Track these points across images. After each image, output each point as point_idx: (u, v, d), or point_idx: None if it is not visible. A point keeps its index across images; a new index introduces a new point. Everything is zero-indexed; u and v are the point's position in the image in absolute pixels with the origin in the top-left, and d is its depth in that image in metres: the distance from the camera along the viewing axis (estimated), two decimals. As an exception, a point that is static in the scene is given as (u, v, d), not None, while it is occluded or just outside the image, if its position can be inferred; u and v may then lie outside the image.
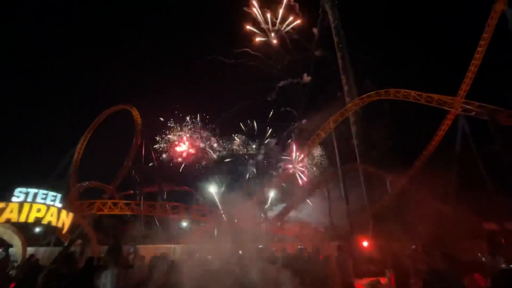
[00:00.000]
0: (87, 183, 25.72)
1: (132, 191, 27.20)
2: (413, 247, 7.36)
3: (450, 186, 20.28)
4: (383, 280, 9.17)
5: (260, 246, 8.46)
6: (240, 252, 5.20)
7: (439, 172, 20.74)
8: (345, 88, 31.54)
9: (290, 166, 28.35)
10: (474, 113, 18.54)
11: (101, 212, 20.34)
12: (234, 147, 31.11)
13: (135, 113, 28.70)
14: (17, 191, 12.32)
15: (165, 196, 26.21)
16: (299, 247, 8.47)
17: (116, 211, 20.68)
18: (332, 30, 33.97)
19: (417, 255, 5.16)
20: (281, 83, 31.60)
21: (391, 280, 4.81)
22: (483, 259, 7.07)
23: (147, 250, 16.24)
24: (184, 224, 26.98)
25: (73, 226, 17.26)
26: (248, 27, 31.93)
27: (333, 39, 33.43)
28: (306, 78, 31.54)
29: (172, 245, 18.60)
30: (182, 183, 31.90)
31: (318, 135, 25.88)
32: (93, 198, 22.05)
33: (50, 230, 16.04)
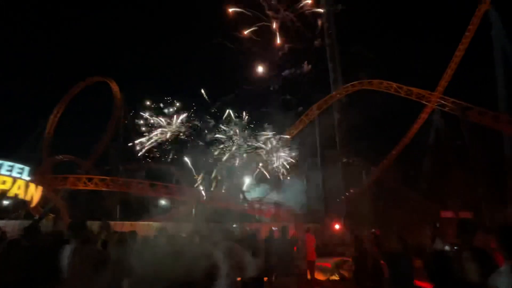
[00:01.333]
0: (61, 156, 24.68)
1: (109, 167, 26.53)
2: (372, 230, 7.91)
3: (421, 176, 21.53)
4: (349, 260, 9.84)
5: (234, 226, 8.68)
6: (209, 230, 5.32)
7: (412, 163, 21.92)
8: (331, 76, 31.66)
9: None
10: (448, 108, 19.41)
11: (76, 188, 19.82)
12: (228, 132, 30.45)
13: (115, 87, 27.34)
14: (-21, 161, 11.66)
15: (143, 174, 25.78)
16: (272, 228, 8.77)
17: (91, 187, 20.21)
18: (323, 16, 33.41)
19: (375, 239, 5.58)
20: (285, 72, 30.68)
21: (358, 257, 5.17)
22: (440, 245, 7.70)
23: (124, 227, 16.21)
24: (163, 202, 26.98)
25: (46, 200, 16.79)
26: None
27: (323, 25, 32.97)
28: (307, 67, 31.08)
29: (149, 223, 18.65)
30: (162, 162, 31.42)
31: (301, 121, 26.14)
32: (68, 173, 21.37)
33: (19, 203, 15.50)
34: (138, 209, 24.50)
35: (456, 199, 16.86)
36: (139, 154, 28.32)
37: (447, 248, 3.81)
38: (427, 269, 2.01)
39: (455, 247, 3.05)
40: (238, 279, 4.19)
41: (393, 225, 13.91)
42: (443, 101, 19.72)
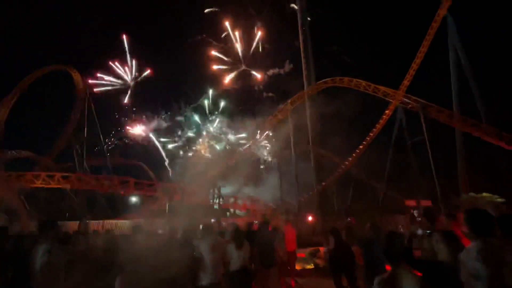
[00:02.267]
0: (14, 152, 22.37)
1: (72, 164, 24.65)
2: (348, 219, 8.40)
3: (385, 169, 23.12)
4: (322, 249, 10.33)
5: (212, 220, 8.61)
6: (191, 226, 5.24)
7: (378, 156, 23.42)
8: (304, 72, 32.39)
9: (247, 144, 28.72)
10: (410, 106, 20.96)
11: (34, 185, 18.17)
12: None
13: (77, 76, 25.26)
14: None
15: (110, 170, 24.36)
16: (250, 221, 8.87)
17: (53, 184, 18.66)
18: (297, 12, 33.89)
19: (351, 227, 5.97)
20: (269, 72, 30.76)
21: (330, 246, 5.43)
22: (401, 229, 8.48)
23: (92, 226, 15.27)
24: (134, 199, 25.84)
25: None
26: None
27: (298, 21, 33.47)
28: (288, 65, 31.55)
29: (120, 221, 17.80)
30: (132, 157, 29.93)
31: (275, 116, 26.52)
32: (24, 170, 19.49)
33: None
34: (106, 207, 23.24)
35: (417, 189, 18.53)
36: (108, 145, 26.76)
37: (419, 232, 4.18)
38: (383, 249, 2.21)
39: (427, 231, 3.38)
40: (223, 271, 4.21)
41: (363, 214, 14.89)
42: (406, 99, 21.26)
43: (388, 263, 2.12)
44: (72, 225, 12.26)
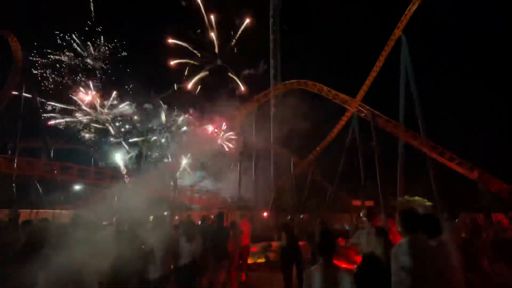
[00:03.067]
0: None
1: (3, 143, 21.39)
2: (301, 216, 8.82)
3: (337, 171, 24.79)
4: (274, 244, 10.69)
5: (165, 213, 8.26)
6: (140, 218, 4.95)
7: (331, 159, 25.03)
8: (272, 71, 32.91)
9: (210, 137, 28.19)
10: (364, 114, 22.76)
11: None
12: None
13: (14, 42, 21.79)
14: None
15: (50, 154, 21.74)
16: (203, 215, 8.73)
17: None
18: (270, 11, 34.17)
19: (302, 223, 6.30)
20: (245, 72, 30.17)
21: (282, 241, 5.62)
22: (347, 227, 9.22)
23: (21, 215, 13.47)
24: (78, 187, 23.53)
25: None
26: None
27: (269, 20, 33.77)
28: (262, 66, 31.52)
29: (58, 211, 16.04)
30: (75, 141, 27.09)
31: (240, 111, 26.50)
32: None
33: None
34: (41, 195, 20.70)
35: (363, 191, 20.35)
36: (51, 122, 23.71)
37: (347, 227, 4.59)
38: (317, 245, 2.38)
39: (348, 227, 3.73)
40: (172, 265, 4.08)
41: (314, 212, 15.85)
42: (361, 108, 23.03)
43: (321, 257, 2.31)
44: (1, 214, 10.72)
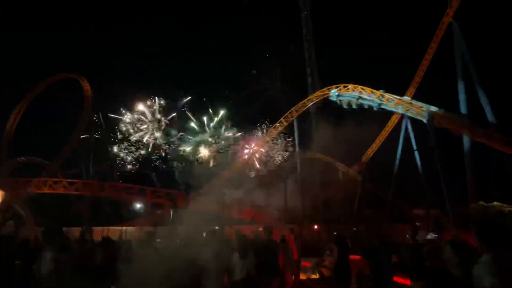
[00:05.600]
0: (23, 158, 22.77)
1: (78, 170, 24.95)
2: (354, 229, 8.23)
3: (391, 177, 22.76)
4: (327, 258, 10.13)
5: (216, 228, 8.53)
6: (195, 234, 5.20)
7: (383, 165, 23.14)
8: (309, 80, 32.50)
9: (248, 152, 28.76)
10: (416, 113, 20.73)
11: (40, 191, 18.38)
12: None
13: (85, 84, 25.81)
14: None
15: (116, 177, 24.57)
16: (256, 230, 8.78)
17: (59, 191, 18.85)
18: (302, 20, 34.29)
19: (357, 236, 5.83)
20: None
21: (334, 256, 5.32)
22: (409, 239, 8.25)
23: (95, 232, 15.30)
24: (138, 206, 25.88)
25: (6, 205, 15.39)
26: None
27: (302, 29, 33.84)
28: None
29: (123, 228, 17.82)
30: (138, 164, 30.19)
31: (280, 124, 26.52)
32: (31, 176, 19.76)
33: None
34: (110, 213, 23.33)
35: (425, 198, 18.13)
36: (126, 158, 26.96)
37: (429, 237, 4.07)
38: (401, 260, 2.12)
39: (436, 235, 3.28)
40: (226, 280, 4.14)
41: (369, 223, 14.58)
42: (411, 106, 21.06)
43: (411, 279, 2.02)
44: (77, 232, 12.31)
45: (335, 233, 7.55)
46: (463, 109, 19.44)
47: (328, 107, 28.45)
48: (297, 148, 23.98)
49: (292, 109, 25.66)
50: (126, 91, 29.64)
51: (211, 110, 30.09)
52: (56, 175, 22.50)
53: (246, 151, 28.18)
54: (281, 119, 26.27)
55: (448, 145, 19.85)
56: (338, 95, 22.39)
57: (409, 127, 21.84)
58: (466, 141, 18.94)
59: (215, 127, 29.99)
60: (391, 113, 23.97)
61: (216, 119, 29.84)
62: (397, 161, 22.50)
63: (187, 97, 30.12)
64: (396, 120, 24.78)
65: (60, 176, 21.88)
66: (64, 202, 23.85)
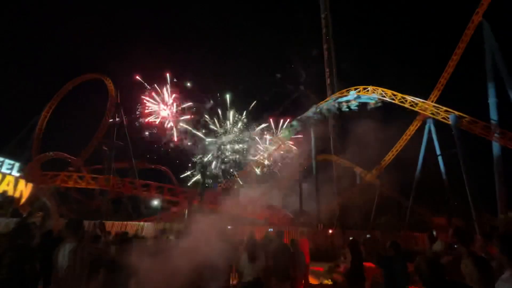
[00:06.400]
0: (51, 153, 24.17)
1: (101, 166, 26.10)
2: (368, 236, 7.95)
3: (411, 183, 21.82)
4: (342, 265, 9.86)
5: (229, 227, 8.61)
6: (206, 232, 5.25)
7: (403, 170, 22.23)
8: (327, 81, 31.97)
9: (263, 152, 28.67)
10: (440, 116, 19.73)
11: (66, 185, 19.40)
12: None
13: (109, 84, 27.06)
14: (-32, 156, 11.32)
15: (136, 173, 25.43)
16: (267, 232, 8.73)
17: (83, 185, 19.82)
18: (321, 21, 33.83)
19: (370, 244, 5.61)
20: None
21: (348, 262, 5.18)
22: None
23: (115, 226, 15.94)
24: (155, 202, 26.63)
25: (34, 197, 16.38)
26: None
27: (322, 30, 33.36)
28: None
29: (141, 223, 18.39)
30: (157, 161, 31.08)
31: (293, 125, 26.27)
32: (58, 170, 20.93)
33: (7, 200, 15.08)
34: (129, 208, 24.17)
35: (447, 206, 17.17)
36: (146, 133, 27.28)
37: (445, 248, 3.83)
38: (418, 272, 2.01)
39: (455, 246, 3.08)
40: (235, 282, 4.16)
41: (386, 230, 14.04)
42: (436, 110, 20.07)
43: None
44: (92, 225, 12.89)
45: (350, 238, 7.34)
46: (492, 113, 18.28)
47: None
48: (313, 151, 23.61)
49: (308, 111, 25.29)
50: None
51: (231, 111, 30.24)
52: (81, 170, 23.72)
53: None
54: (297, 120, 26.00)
55: (475, 150, 18.76)
56: (357, 97, 21.77)
57: (433, 130, 20.82)
58: (495, 146, 17.80)
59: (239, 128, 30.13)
60: (413, 116, 23.04)
61: (239, 117, 29.94)
62: (418, 166, 21.51)
63: (216, 98, 30.30)
64: (419, 124, 23.75)
65: (84, 171, 23.03)
66: (87, 196, 25.07)
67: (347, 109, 21.53)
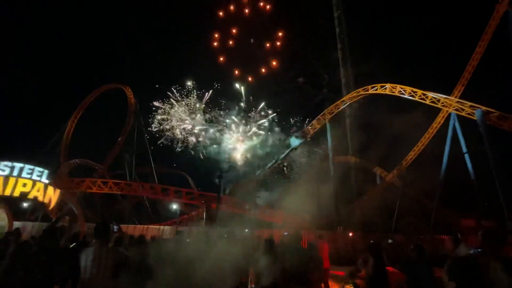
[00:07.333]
0: (77, 160, 25.48)
1: (123, 171, 27.11)
2: (390, 241, 7.64)
3: (436, 183, 20.77)
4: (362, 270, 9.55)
5: (246, 230, 8.63)
6: (225, 236, 5.30)
7: (427, 169, 21.22)
8: (343, 80, 31.42)
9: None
10: (465, 112, 18.72)
11: (91, 191, 20.31)
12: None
13: (129, 93, 28.19)
14: (2, 164, 12.14)
15: (155, 178, 26.20)
16: (285, 233, 8.67)
17: (106, 190, 20.66)
18: (335, 20, 33.37)
19: (392, 249, 5.40)
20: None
21: (369, 266, 5.00)
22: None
23: (136, 230, 16.45)
24: (175, 206, 27.23)
25: (62, 202, 17.28)
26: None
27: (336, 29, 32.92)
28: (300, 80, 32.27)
29: (161, 226, 18.85)
30: (176, 166, 31.97)
31: (312, 126, 25.92)
32: (83, 176, 21.97)
33: (38, 205, 16.02)
34: (151, 212, 24.88)
35: (476, 208, 16.16)
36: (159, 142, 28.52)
37: (471, 252, 3.60)
38: (450, 275, 1.85)
39: (480, 250, 2.87)
40: (253, 286, 4.14)
41: (409, 233, 13.42)
42: (460, 105, 19.07)
43: None
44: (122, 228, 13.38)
45: (371, 241, 7.10)
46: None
47: (364, 108, 27.15)
48: (330, 152, 23.18)
49: (324, 111, 24.93)
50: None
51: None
52: (104, 176, 24.78)
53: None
54: (313, 121, 25.70)
55: (504, 147, 17.58)
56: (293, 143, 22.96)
57: (458, 127, 19.76)
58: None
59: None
60: (436, 113, 22.08)
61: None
62: (443, 165, 20.46)
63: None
64: (442, 121, 22.72)
65: (107, 177, 24.04)
66: (111, 201, 26.10)
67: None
